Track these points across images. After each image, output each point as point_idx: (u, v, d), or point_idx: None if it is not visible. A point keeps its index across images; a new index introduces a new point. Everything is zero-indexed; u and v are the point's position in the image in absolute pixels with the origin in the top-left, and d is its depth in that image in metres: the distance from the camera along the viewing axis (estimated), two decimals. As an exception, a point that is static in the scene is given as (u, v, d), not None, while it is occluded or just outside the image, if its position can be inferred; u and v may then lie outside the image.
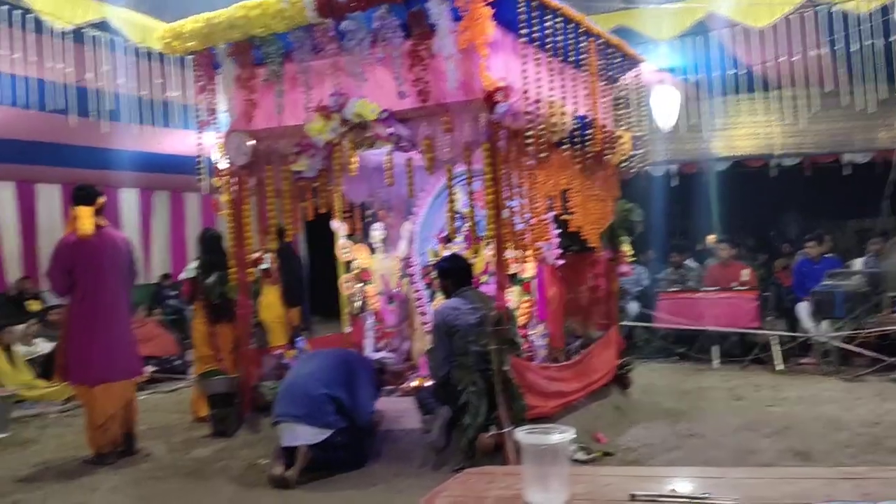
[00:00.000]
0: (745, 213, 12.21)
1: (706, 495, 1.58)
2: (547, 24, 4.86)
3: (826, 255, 8.96)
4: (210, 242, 6.66)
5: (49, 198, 11.84)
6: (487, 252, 6.01)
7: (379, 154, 5.71)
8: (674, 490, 1.62)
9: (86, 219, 5.37)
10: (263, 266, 6.81)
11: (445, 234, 6.50)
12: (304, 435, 4.72)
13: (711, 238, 10.60)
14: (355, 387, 4.97)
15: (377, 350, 6.90)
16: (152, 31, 6.71)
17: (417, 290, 6.75)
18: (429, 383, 5.72)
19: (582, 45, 5.34)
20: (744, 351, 8.53)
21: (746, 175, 11.23)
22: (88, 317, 5.41)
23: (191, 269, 6.79)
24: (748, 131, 10.60)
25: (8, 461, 5.58)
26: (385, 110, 4.86)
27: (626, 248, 6.64)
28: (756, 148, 10.67)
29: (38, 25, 6.24)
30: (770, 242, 12.69)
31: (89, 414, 5.46)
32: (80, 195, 5.51)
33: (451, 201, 4.95)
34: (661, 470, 2.31)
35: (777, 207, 12.87)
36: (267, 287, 7.31)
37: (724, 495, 1.58)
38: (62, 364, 5.58)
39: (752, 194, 11.67)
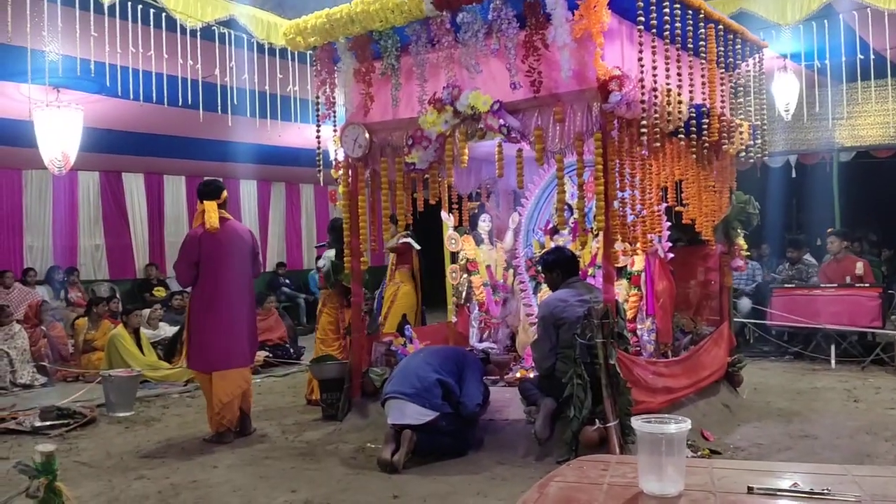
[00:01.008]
0: (870, 206, 11.60)
1: (826, 491, 1.55)
2: (665, 10, 4.77)
3: (959, 252, 8.44)
4: (341, 231, 6.84)
5: (175, 188, 12.56)
6: (594, 244, 5.96)
7: (488, 146, 5.75)
8: (796, 484, 1.59)
9: (212, 213, 5.58)
10: (405, 238, 6.94)
11: (552, 225, 6.49)
12: (410, 413, 4.83)
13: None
14: (464, 379, 5.07)
15: (481, 340, 6.98)
16: (276, 28, 6.96)
17: (522, 282, 6.77)
18: (532, 374, 5.75)
19: (701, 31, 5.20)
20: (864, 351, 8.14)
21: (872, 166, 10.66)
22: (209, 307, 5.62)
23: (328, 256, 6.98)
24: (876, 120, 10.05)
25: (133, 438, 5.87)
26: (497, 101, 4.89)
27: (741, 242, 6.45)
28: (884, 137, 10.12)
29: (170, 23, 6.54)
30: (896, 238, 11.99)
31: (207, 398, 5.71)
32: (206, 190, 5.72)
33: (560, 192, 4.93)
34: (778, 465, 2.25)
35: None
36: (402, 275, 7.48)
37: (846, 492, 1.54)
38: (186, 350, 5.88)
39: (879, 186, 11.07)
